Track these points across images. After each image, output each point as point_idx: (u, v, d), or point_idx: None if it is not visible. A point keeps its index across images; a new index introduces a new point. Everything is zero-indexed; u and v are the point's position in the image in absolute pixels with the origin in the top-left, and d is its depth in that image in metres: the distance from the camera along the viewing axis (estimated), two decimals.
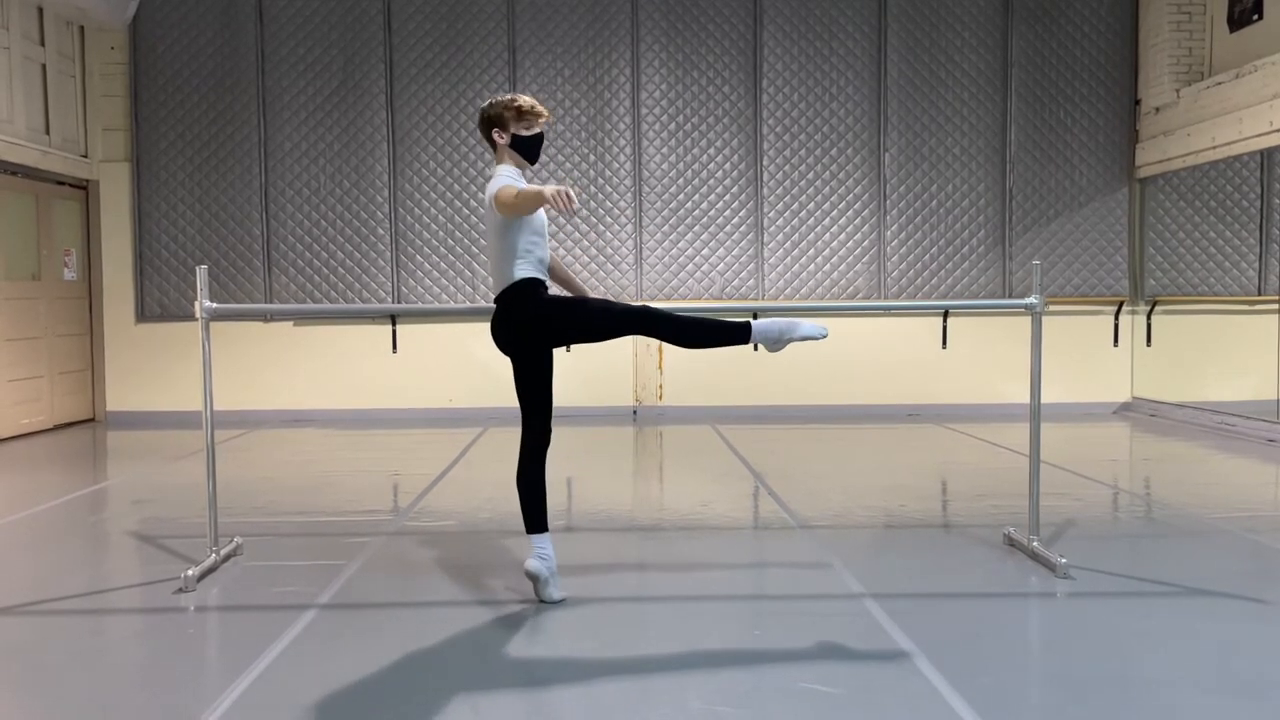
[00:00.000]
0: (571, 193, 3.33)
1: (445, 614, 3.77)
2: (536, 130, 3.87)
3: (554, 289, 3.98)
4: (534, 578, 3.81)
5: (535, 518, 3.88)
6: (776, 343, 3.80)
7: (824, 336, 3.78)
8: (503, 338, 3.87)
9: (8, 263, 8.54)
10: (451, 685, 3.10)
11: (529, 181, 3.85)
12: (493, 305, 3.88)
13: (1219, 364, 9.61)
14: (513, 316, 3.81)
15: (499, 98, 3.88)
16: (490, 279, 3.89)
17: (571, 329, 3.83)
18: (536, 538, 3.86)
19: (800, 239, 9.73)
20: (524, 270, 3.78)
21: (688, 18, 9.65)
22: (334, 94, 9.58)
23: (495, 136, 3.85)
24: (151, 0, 9.49)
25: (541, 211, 3.82)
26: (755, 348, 3.88)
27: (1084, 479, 6.36)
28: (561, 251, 9.48)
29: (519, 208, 3.58)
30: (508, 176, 3.79)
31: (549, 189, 3.37)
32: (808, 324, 3.78)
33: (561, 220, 9.41)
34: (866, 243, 9.76)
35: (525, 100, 3.84)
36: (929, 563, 4.48)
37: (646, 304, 3.93)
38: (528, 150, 3.89)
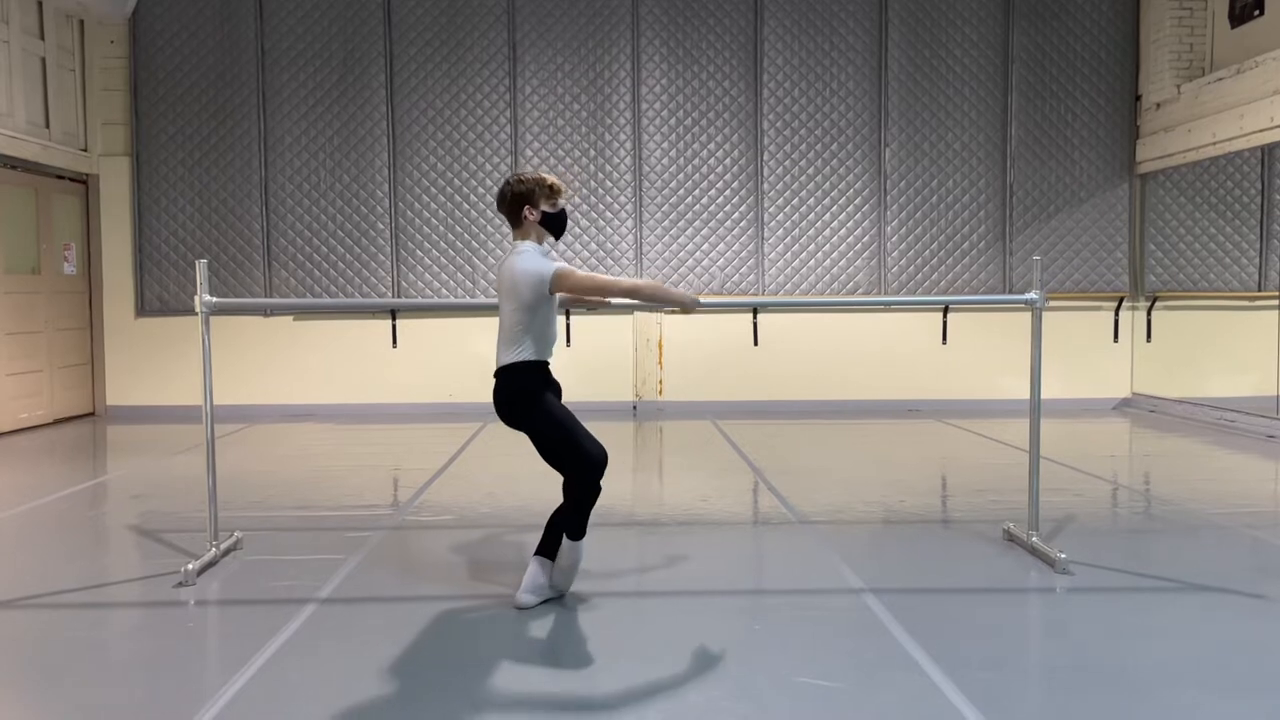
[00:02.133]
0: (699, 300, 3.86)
1: (444, 608, 3.78)
2: (562, 206, 3.89)
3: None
4: (524, 609, 3.76)
5: (550, 542, 3.82)
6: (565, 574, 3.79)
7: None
8: (500, 413, 3.82)
9: (8, 257, 8.54)
10: (451, 679, 3.10)
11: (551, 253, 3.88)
12: (490, 299, 3.88)
13: (1219, 360, 9.61)
14: (502, 396, 3.78)
15: (527, 174, 3.86)
16: (497, 348, 3.86)
17: (525, 425, 3.79)
18: (540, 560, 3.81)
19: (800, 234, 9.72)
20: (532, 352, 3.76)
21: (688, 12, 9.64)
22: (334, 88, 9.57)
23: (526, 214, 3.81)
24: None
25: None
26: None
27: (1084, 474, 6.36)
28: (561, 247, 9.47)
29: (639, 293, 3.88)
30: (534, 253, 3.77)
31: (687, 298, 3.89)
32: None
33: (576, 215, 9.40)
34: (867, 238, 9.76)
35: (553, 178, 3.86)
36: (928, 558, 4.49)
37: (581, 459, 3.75)
38: (556, 226, 3.89)
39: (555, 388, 3.87)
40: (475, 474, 6.53)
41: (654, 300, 3.98)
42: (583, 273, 3.76)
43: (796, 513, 5.32)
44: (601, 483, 3.78)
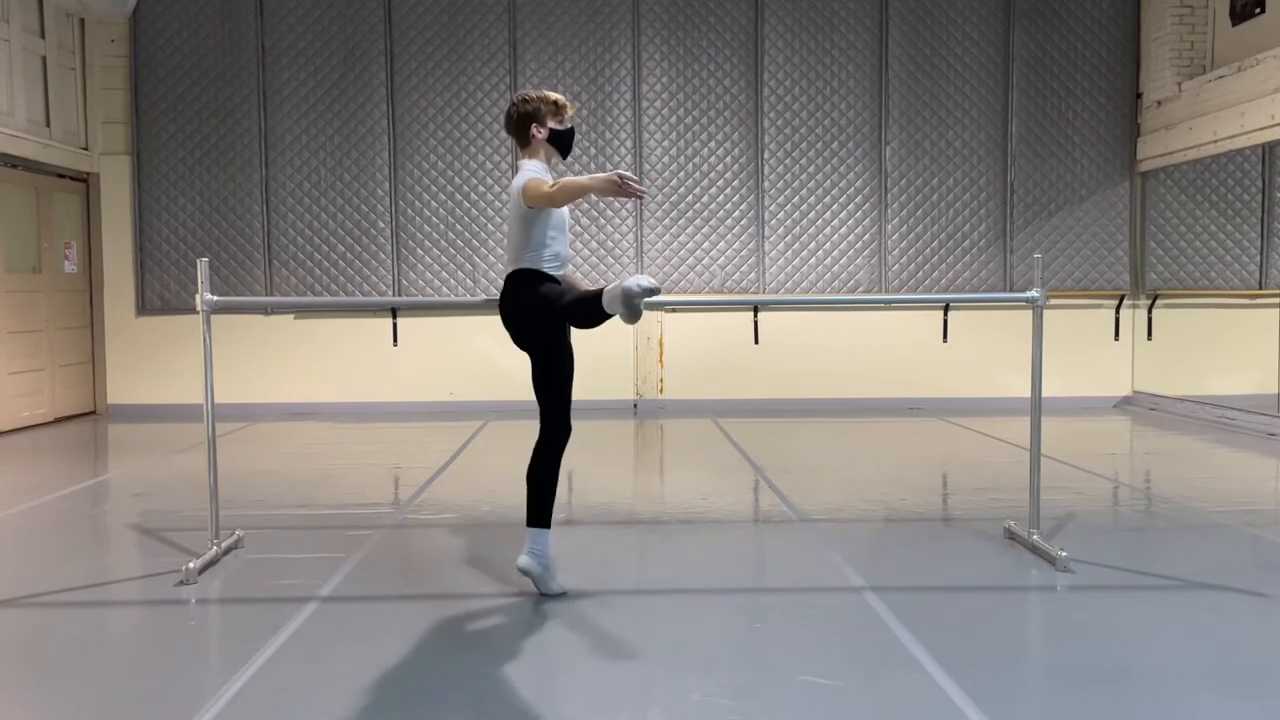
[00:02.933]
0: (629, 174, 3.39)
1: (446, 607, 3.78)
2: (569, 124, 3.92)
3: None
4: (528, 574, 3.82)
5: (539, 512, 3.85)
6: (625, 307, 3.50)
7: (648, 291, 3.46)
8: (505, 324, 3.88)
9: (9, 255, 8.54)
10: (452, 678, 3.10)
11: (560, 175, 3.86)
12: (491, 297, 3.89)
13: (1220, 358, 9.61)
14: (504, 305, 3.85)
15: (531, 93, 3.90)
16: (506, 259, 3.88)
17: (529, 332, 3.80)
18: (534, 532, 3.84)
19: (801, 233, 9.72)
20: (533, 261, 3.79)
21: (689, 11, 9.64)
22: (334, 87, 9.57)
23: (534, 131, 3.87)
24: None
25: (565, 207, 3.82)
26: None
27: (1085, 473, 6.36)
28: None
29: (556, 199, 3.61)
30: (536, 170, 3.82)
31: (613, 174, 3.44)
32: (631, 281, 3.49)
33: (576, 214, 9.41)
34: (867, 236, 9.75)
35: (558, 95, 3.89)
36: (929, 556, 4.49)
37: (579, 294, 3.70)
38: (563, 144, 3.92)
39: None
40: (476, 472, 6.53)
41: (573, 195, 3.61)
42: (537, 181, 3.68)
43: (797, 511, 5.32)
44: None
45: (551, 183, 3.65)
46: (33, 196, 8.92)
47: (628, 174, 3.45)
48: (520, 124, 3.89)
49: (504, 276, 3.87)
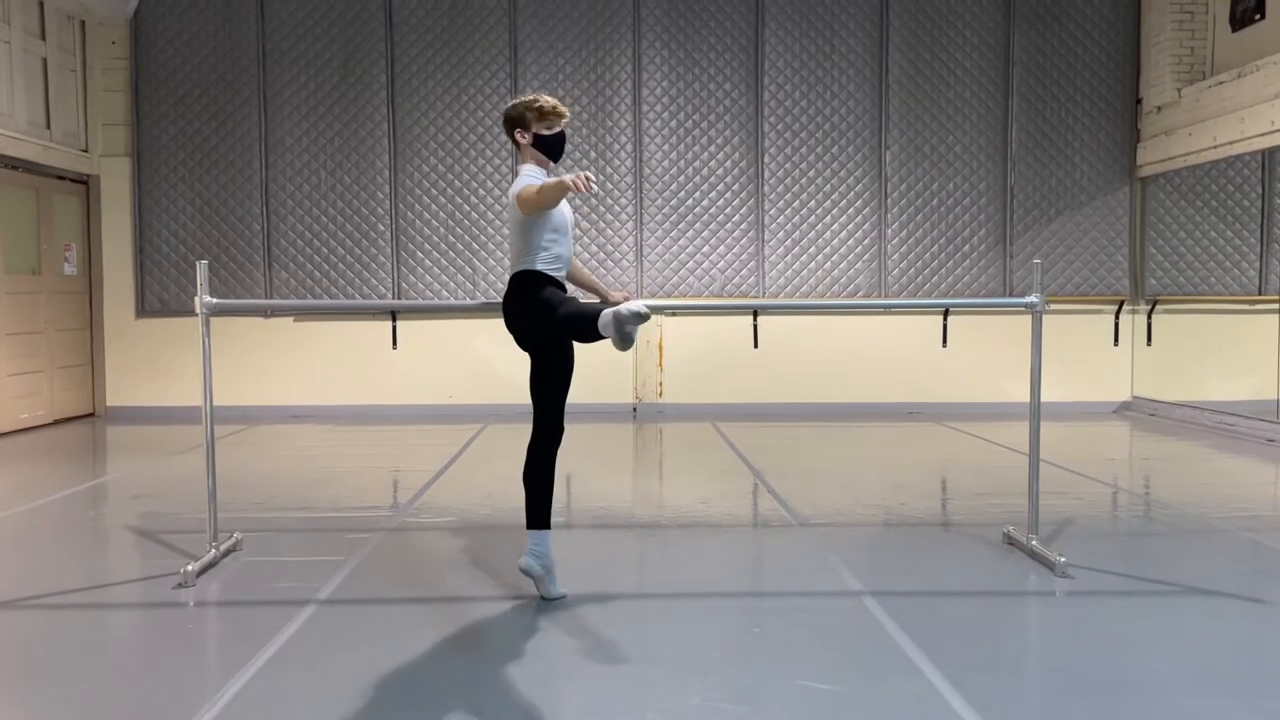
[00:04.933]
0: (589, 174, 3.37)
1: (445, 610, 3.78)
2: (558, 129, 3.90)
3: (573, 291, 3.99)
4: (529, 575, 3.82)
5: (537, 513, 3.86)
6: (617, 332, 3.46)
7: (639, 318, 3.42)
8: (506, 324, 3.89)
9: (8, 257, 8.54)
10: (451, 681, 3.10)
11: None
12: (490, 300, 3.89)
13: (1219, 363, 9.61)
14: (506, 305, 3.86)
15: (521, 98, 3.91)
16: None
17: (529, 334, 3.80)
18: (534, 534, 3.85)
19: (801, 237, 9.73)
20: (532, 263, 3.79)
21: (689, 14, 9.65)
22: (335, 89, 9.58)
23: (518, 136, 3.90)
24: None
25: (564, 209, 3.84)
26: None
27: (1083, 478, 6.36)
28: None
29: (541, 203, 3.62)
30: (531, 175, 3.84)
31: (567, 178, 3.43)
32: (624, 309, 3.45)
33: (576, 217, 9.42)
34: (867, 241, 9.76)
35: (547, 100, 3.87)
36: (928, 561, 4.48)
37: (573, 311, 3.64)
38: (550, 149, 3.93)
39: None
40: (475, 475, 6.53)
41: (551, 196, 3.58)
42: (525, 188, 3.68)
43: (796, 515, 5.32)
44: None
45: (539, 186, 3.64)
46: (33, 198, 8.92)
47: (581, 175, 3.37)
48: (506, 129, 3.93)
49: (507, 276, 3.89)
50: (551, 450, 3.87)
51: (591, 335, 3.55)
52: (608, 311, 3.45)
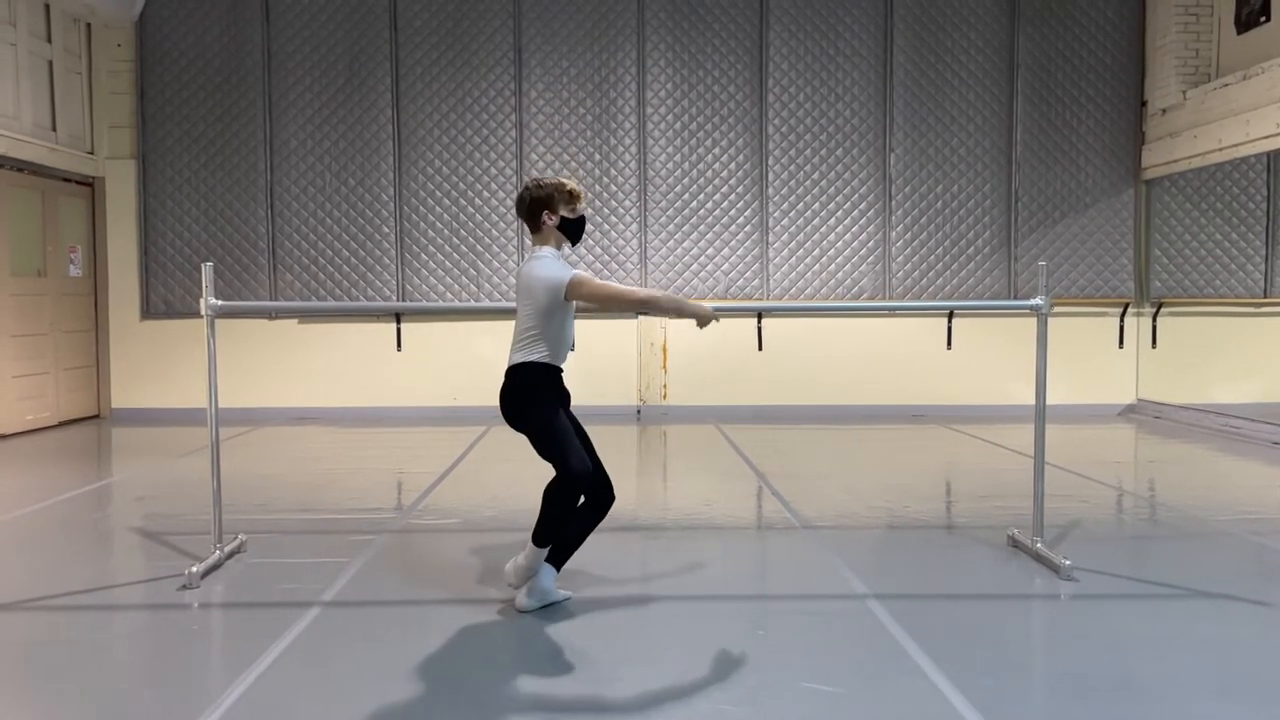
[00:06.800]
0: (718, 317, 3.72)
1: (449, 612, 3.78)
2: (581, 212, 3.89)
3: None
4: (523, 612, 3.75)
5: (542, 530, 3.72)
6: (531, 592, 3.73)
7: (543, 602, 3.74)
8: (503, 411, 3.80)
9: (14, 259, 8.56)
10: (455, 684, 3.10)
11: (568, 259, 3.87)
12: (494, 303, 3.87)
13: (1224, 366, 9.59)
14: (504, 404, 3.77)
15: (546, 179, 3.86)
16: (510, 349, 3.84)
17: (523, 425, 3.77)
18: (535, 552, 3.74)
19: (805, 239, 9.72)
20: (542, 353, 3.73)
21: (693, 17, 9.65)
22: (339, 92, 9.59)
23: (545, 219, 3.82)
24: None
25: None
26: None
27: (1088, 481, 6.35)
28: (566, 249, 9.46)
29: (652, 305, 3.79)
30: (562, 260, 3.80)
31: (703, 311, 3.79)
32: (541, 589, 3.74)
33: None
34: (872, 243, 9.75)
35: (573, 184, 3.85)
36: (932, 563, 4.48)
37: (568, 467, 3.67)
38: (573, 232, 3.90)
39: (564, 396, 3.84)
40: (480, 477, 6.53)
41: (669, 313, 3.85)
42: (599, 281, 3.72)
43: (800, 518, 5.32)
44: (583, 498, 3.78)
45: (652, 295, 3.78)
46: (38, 200, 8.94)
47: (709, 311, 3.79)
48: (533, 209, 3.82)
49: (508, 365, 3.78)
50: (571, 494, 3.69)
51: (558, 503, 3.68)
52: (525, 572, 3.75)
